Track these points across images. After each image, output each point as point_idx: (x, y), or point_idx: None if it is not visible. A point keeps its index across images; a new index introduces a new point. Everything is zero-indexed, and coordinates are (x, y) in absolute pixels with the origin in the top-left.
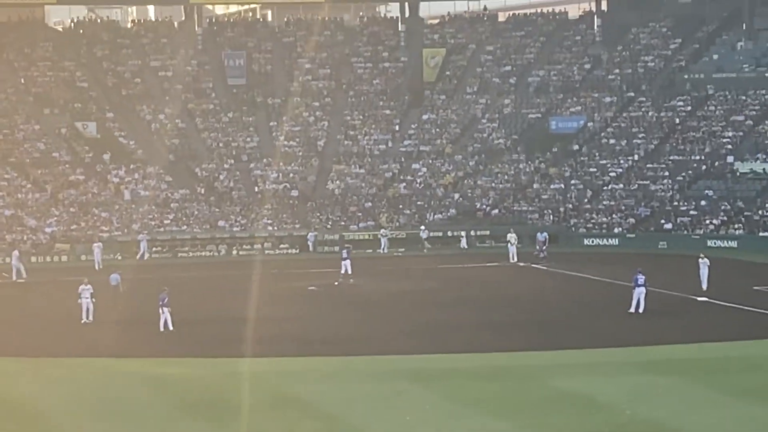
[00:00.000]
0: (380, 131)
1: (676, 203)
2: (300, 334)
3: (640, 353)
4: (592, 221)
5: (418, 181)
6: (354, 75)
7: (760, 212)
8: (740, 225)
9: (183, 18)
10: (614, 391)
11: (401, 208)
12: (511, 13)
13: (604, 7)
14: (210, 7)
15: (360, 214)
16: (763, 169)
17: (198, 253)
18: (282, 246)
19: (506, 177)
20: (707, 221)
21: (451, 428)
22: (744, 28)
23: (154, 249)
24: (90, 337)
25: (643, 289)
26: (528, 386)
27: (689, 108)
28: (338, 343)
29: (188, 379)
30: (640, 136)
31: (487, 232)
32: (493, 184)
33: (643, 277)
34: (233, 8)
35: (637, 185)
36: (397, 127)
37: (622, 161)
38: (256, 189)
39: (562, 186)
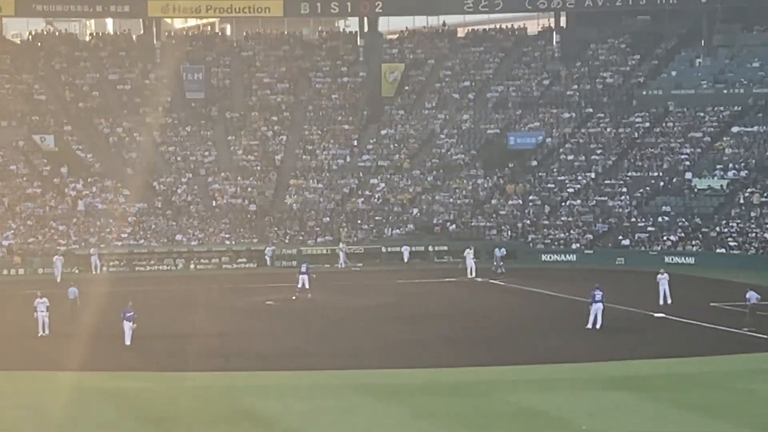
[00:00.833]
0: (339, 146)
1: (633, 219)
2: (258, 349)
3: (598, 369)
4: (550, 237)
5: (377, 196)
6: (313, 89)
7: (717, 229)
8: (697, 241)
9: (141, 31)
10: (571, 406)
11: (359, 223)
12: (470, 28)
13: (563, 23)
14: (169, 20)
15: (318, 228)
16: (721, 185)
17: (155, 267)
18: (240, 260)
19: (464, 192)
20: (665, 237)
21: None
22: (702, 44)
23: (111, 263)
24: (46, 350)
25: (600, 305)
26: (486, 401)
27: (647, 124)
28: (296, 357)
29: (145, 394)
30: (599, 152)
31: (445, 248)
32: (452, 200)
33: (601, 293)
34: (192, 22)
35: (595, 201)
36: (355, 142)
37: (580, 177)
38: (214, 203)
39: (520, 202)
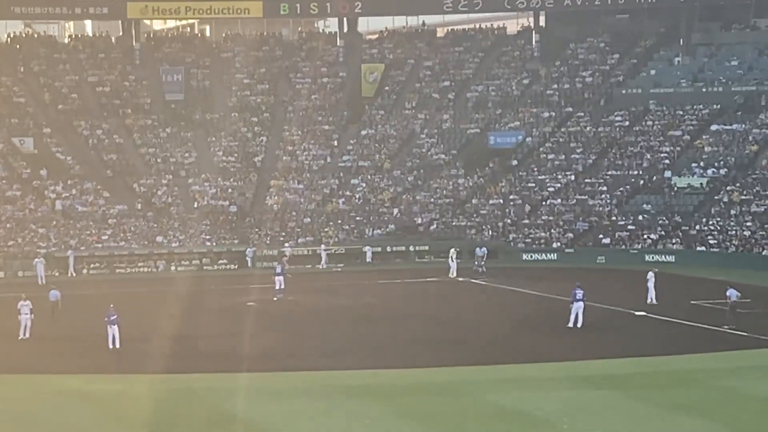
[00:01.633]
0: (319, 146)
1: (614, 218)
2: (239, 350)
3: (578, 368)
4: (531, 236)
5: (357, 196)
6: (292, 90)
7: (697, 227)
8: (678, 239)
9: (120, 33)
10: (552, 405)
11: (340, 223)
12: (449, 28)
13: (542, 22)
14: (148, 22)
15: (299, 229)
16: (701, 183)
17: (136, 269)
18: (221, 262)
19: (445, 192)
20: (645, 236)
21: None
22: (681, 43)
23: (91, 265)
24: (25, 354)
25: (581, 304)
26: (466, 402)
27: (627, 123)
28: (277, 358)
29: (125, 396)
30: (579, 151)
31: (426, 248)
32: (432, 200)
33: (582, 291)
34: (171, 23)
35: (575, 200)
36: (335, 143)
37: (560, 176)
38: (195, 204)
39: (501, 201)
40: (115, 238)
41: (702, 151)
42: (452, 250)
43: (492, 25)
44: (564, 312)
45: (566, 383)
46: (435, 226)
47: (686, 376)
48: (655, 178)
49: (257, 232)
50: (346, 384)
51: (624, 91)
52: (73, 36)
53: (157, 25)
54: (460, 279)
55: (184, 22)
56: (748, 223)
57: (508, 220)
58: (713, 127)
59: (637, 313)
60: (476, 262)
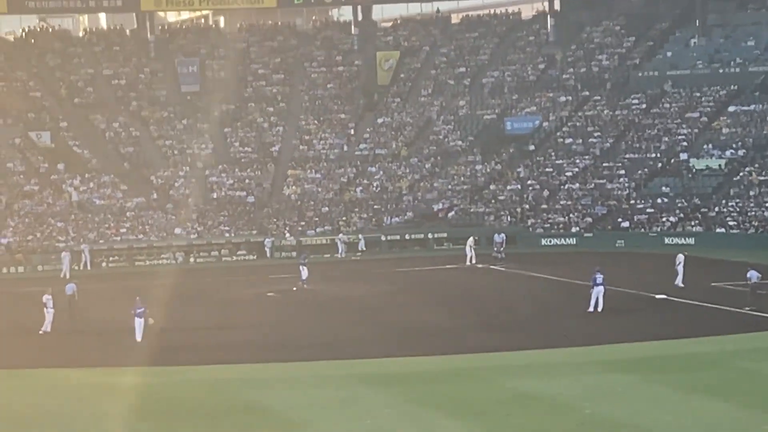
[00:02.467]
0: (335, 135)
1: (632, 201)
2: (259, 341)
3: (599, 352)
4: (550, 221)
5: (375, 184)
6: (308, 79)
7: (716, 209)
8: (697, 222)
9: (135, 26)
10: (574, 390)
11: (358, 212)
12: (464, 14)
13: (557, 6)
14: (162, 14)
15: (317, 219)
16: (719, 165)
17: (155, 261)
18: (239, 252)
19: (462, 179)
20: (664, 219)
21: (411, 431)
22: (697, 24)
23: (110, 258)
24: (47, 347)
25: (601, 288)
26: (487, 388)
27: (644, 106)
28: (297, 348)
29: (145, 388)
30: (596, 135)
31: (445, 235)
32: (450, 186)
33: (602, 276)
34: (185, 15)
35: (593, 184)
36: (352, 131)
37: (578, 160)
38: (212, 196)
39: (519, 187)
40: (133, 230)
41: (720, 132)
42: (470, 238)
43: (507, 10)
44: (584, 297)
45: (587, 367)
46: (453, 212)
47: (707, 359)
48: (673, 160)
49: (275, 222)
50: (367, 372)
51: (640, 74)
52: (88, 29)
53: (172, 17)
54: (479, 265)
55: (198, 13)
56: None
57: (527, 206)
58: (731, 108)
59: (657, 296)
60: (495, 248)
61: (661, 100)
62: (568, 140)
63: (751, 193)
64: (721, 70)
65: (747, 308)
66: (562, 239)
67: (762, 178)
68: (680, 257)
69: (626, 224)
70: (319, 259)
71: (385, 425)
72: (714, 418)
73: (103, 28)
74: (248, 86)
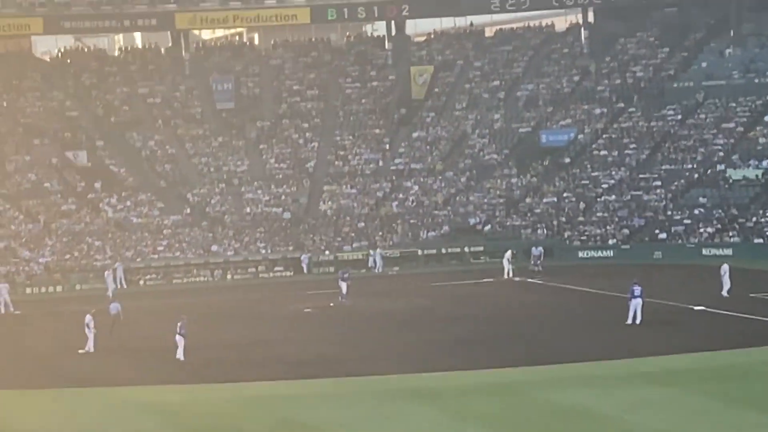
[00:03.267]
0: (371, 150)
1: (669, 213)
2: (298, 356)
3: (638, 364)
4: (586, 233)
5: (410, 199)
6: (342, 95)
7: (753, 219)
8: (734, 232)
9: (170, 44)
10: (613, 403)
11: (394, 226)
12: (497, 27)
13: (590, 18)
14: (196, 32)
15: (353, 234)
16: (756, 175)
17: (192, 279)
18: (276, 269)
19: (498, 192)
20: (701, 230)
21: None
22: (732, 34)
23: (147, 276)
24: (89, 366)
25: (639, 300)
26: (527, 401)
27: (679, 117)
28: (337, 364)
29: (189, 406)
30: (632, 146)
31: (481, 248)
32: (486, 200)
33: (639, 288)
34: (219, 32)
35: (630, 196)
36: (387, 146)
37: (614, 172)
38: (248, 212)
39: (555, 199)
40: (170, 248)
41: (756, 142)
42: (508, 252)
43: (540, 23)
44: (622, 309)
45: (626, 380)
46: (489, 226)
47: (746, 370)
48: (709, 171)
49: (312, 238)
50: (405, 387)
51: (675, 85)
52: (123, 48)
53: (206, 34)
54: (517, 279)
55: (232, 30)
56: None
57: (563, 218)
58: (767, 118)
59: (695, 308)
60: (533, 262)
61: (696, 111)
62: (604, 152)
63: None
64: (756, 80)
65: None
66: (599, 251)
67: None
68: (725, 267)
69: (663, 236)
70: (355, 274)
71: None
72: (753, 429)
73: (138, 46)
74: (283, 102)
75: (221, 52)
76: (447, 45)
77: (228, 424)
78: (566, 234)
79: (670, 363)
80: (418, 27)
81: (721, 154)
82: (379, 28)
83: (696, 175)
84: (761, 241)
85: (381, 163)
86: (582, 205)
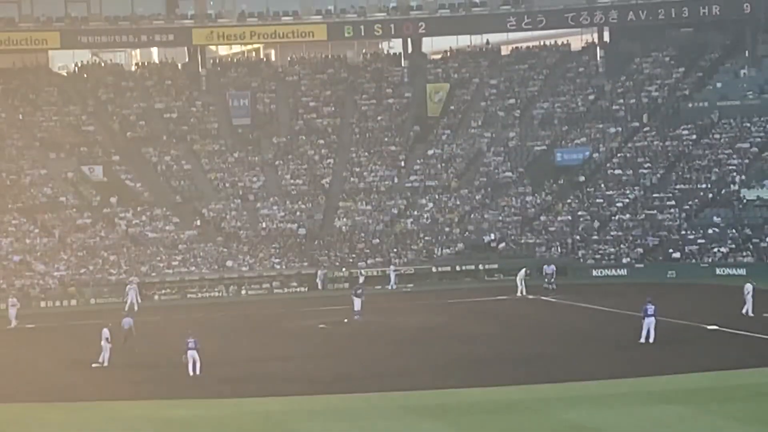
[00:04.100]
0: (386, 167)
1: (683, 232)
2: (312, 373)
3: (652, 383)
4: (600, 252)
5: (425, 216)
6: (358, 112)
7: (767, 239)
8: (748, 252)
9: (186, 59)
10: (626, 422)
11: (409, 243)
12: (513, 46)
13: (606, 38)
14: (213, 48)
15: (368, 250)
16: None
17: (207, 294)
18: (291, 284)
19: (513, 210)
20: (715, 249)
21: None
22: (747, 55)
23: (162, 291)
24: (101, 380)
25: (653, 319)
26: (540, 419)
27: (694, 136)
28: (351, 380)
29: (199, 421)
30: (646, 165)
31: (496, 266)
32: (500, 218)
33: (653, 306)
34: (236, 48)
35: (644, 215)
36: (402, 163)
37: (628, 191)
38: (263, 227)
39: (569, 218)
40: (185, 263)
41: None
42: (522, 270)
43: (556, 41)
44: (636, 328)
45: (640, 399)
46: (504, 244)
47: (760, 390)
48: (724, 191)
49: (326, 254)
50: (419, 404)
51: (690, 105)
52: (140, 63)
53: (223, 50)
54: (530, 297)
55: (249, 47)
56: None
57: (577, 237)
58: None
59: (709, 327)
60: (546, 280)
61: (711, 131)
62: (618, 171)
63: None
64: None
65: None
66: (613, 270)
67: None
68: (748, 287)
69: (677, 255)
70: (369, 291)
71: None
72: None
73: (155, 62)
74: (299, 119)
75: (238, 68)
76: (463, 63)
77: None
78: (580, 252)
79: (683, 382)
80: (435, 45)
81: (736, 174)
82: (395, 46)
83: (710, 195)
84: None
85: (396, 180)
86: (596, 224)
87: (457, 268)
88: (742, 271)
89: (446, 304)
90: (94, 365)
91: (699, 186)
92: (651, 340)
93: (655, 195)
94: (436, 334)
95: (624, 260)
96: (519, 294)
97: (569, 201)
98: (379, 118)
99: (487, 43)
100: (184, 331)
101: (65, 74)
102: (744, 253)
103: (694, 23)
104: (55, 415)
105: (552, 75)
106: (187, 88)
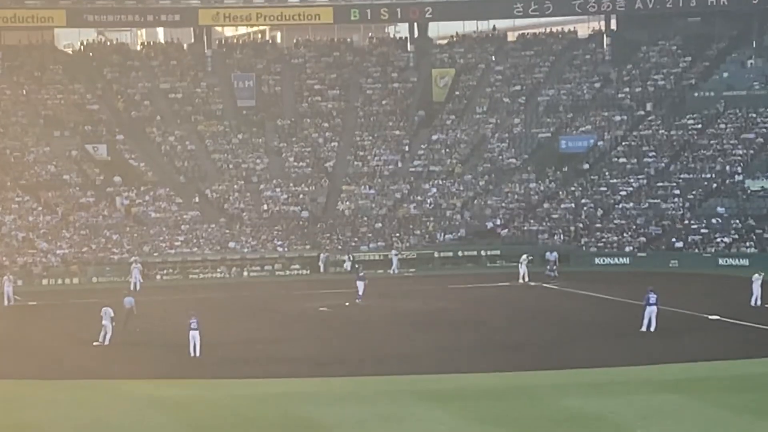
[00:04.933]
0: (390, 151)
1: (687, 221)
2: (312, 355)
3: (652, 372)
4: (603, 240)
5: (428, 201)
6: (363, 95)
7: None
8: (751, 243)
9: (192, 40)
10: (626, 410)
11: (411, 228)
12: (520, 32)
13: (613, 26)
14: (219, 29)
15: (370, 234)
16: None
17: (209, 275)
18: (293, 267)
19: (516, 196)
20: (718, 239)
21: None
22: (754, 45)
23: (164, 271)
24: (101, 359)
25: (654, 308)
26: (539, 406)
27: (699, 126)
28: (350, 363)
29: (198, 401)
30: (651, 154)
31: (498, 252)
32: (504, 204)
33: (655, 295)
34: (242, 30)
35: (647, 204)
36: (406, 148)
37: (632, 180)
38: (266, 210)
39: (573, 205)
40: (187, 244)
41: None
42: (524, 256)
43: (563, 29)
44: (637, 316)
45: (640, 387)
46: (506, 230)
47: (760, 380)
48: (728, 181)
49: (329, 237)
50: (419, 389)
51: (696, 94)
52: (146, 43)
53: (229, 31)
54: (532, 283)
55: (255, 28)
56: None
57: (580, 224)
58: None
59: (710, 317)
60: (548, 267)
61: (716, 121)
62: (623, 159)
63: None
64: None
65: None
66: (616, 258)
67: None
68: (757, 277)
69: (680, 244)
70: (371, 275)
71: None
72: None
73: (160, 42)
74: (304, 101)
75: (243, 49)
76: (469, 48)
77: (237, 420)
78: (583, 240)
79: (684, 371)
80: (441, 30)
81: (740, 164)
82: (401, 30)
83: (714, 185)
84: None
85: (400, 165)
86: (599, 212)
87: (460, 253)
88: (745, 262)
89: (448, 290)
90: (95, 343)
91: (703, 176)
92: (652, 328)
93: (659, 184)
94: (437, 318)
95: (627, 249)
96: (521, 280)
97: (573, 189)
98: (383, 102)
99: (494, 29)
100: (185, 311)
101: (71, 52)
102: (747, 244)
103: (701, 13)
104: (55, 392)
105: (558, 62)
106: (193, 69)
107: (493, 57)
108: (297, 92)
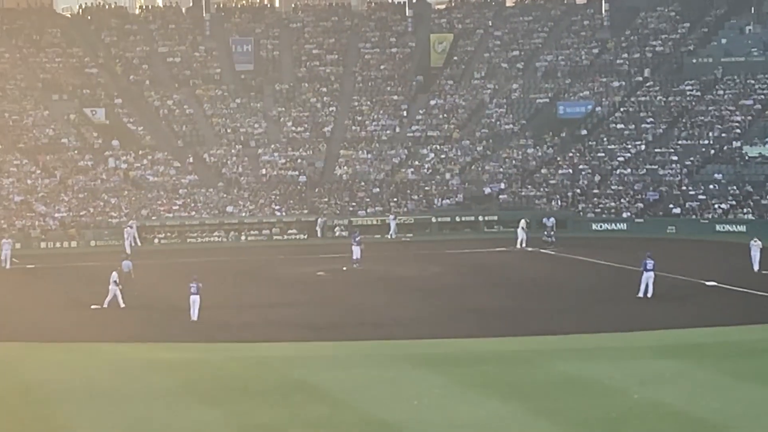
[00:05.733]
0: (388, 116)
1: (684, 188)
2: (309, 320)
3: (649, 338)
4: (601, 206)
5: (426, 166)
6: (361, 60)
7: None
8: (749, 209)
9: (191, 4)
10: (622, 375)
11: (409, 193)
12: None
13: None
14: None
15: (368, 199)
16: None
17: (206, 239)
18: (290, 231)
19: (514, 162)
20: (716, 206)
21: (458, 412)
22: (752, 12)
23: (162, 235)
24: (100, 322)
25: (651, 274)
26: (536, 370)
27: (698, 92)
28: (346, 328)
29: (195, 364)
30: (649, 120)
31: (495, 218)
32: (501, 169)
33: (652, 261)
34: None
35: (645, 170)
36: (404, 113)
37: (630, 146)
38: (264, 174)
39: (570, 171)
40: (185, 208)
41: None
42: (522, 220)
43: None
44: (634, 282)
45: (636, 353)
46: (504, 195)
47: (757, 346)
48: (726, 147)
49: (326, 202)
50: (415, 353)
51: (695, 60)
52: (144, 7)
53: None
54: (530, 249)
55: None
56: None
57: (578, 190)
58: None
59: (707, 283)
60: (545, 232)
61: (714, 87)
62: (621, 125)
63: None
64: None
65: None
66: (613, 224)
67: None
68: (754, 244)
69: (677, 210)
70: (369, 240)
71: (431, 405)
72: (762, 405)
73: (159, 5)
74: (302, 66)
75: (242, 13)
76: (467, 13)
77: (235, 382)
78: (580, 206)
79: (680, 337)
80: None
81: (738, 130)
82: None
83: (712, 151)
84: None
85: (398, 130)
86: (597, 178)
87: (457, 218)
88: (742, 228)
89: (445, 255)
90: (93, 307)
91: (701, 142)
92: (649, 294)
93: (656, 150)
94: (434, 284)
95: (624, 214)
96: (518, 246)
97: (571, 154)
98: (382, 67)
99: None
100: (185, 275)
101: (69, 16)
102: (744, 210)
103: None
104: (52, 355)
105: (556, 28)
106: (191, 33)
107: (492, 22)
108: (295, 57)
